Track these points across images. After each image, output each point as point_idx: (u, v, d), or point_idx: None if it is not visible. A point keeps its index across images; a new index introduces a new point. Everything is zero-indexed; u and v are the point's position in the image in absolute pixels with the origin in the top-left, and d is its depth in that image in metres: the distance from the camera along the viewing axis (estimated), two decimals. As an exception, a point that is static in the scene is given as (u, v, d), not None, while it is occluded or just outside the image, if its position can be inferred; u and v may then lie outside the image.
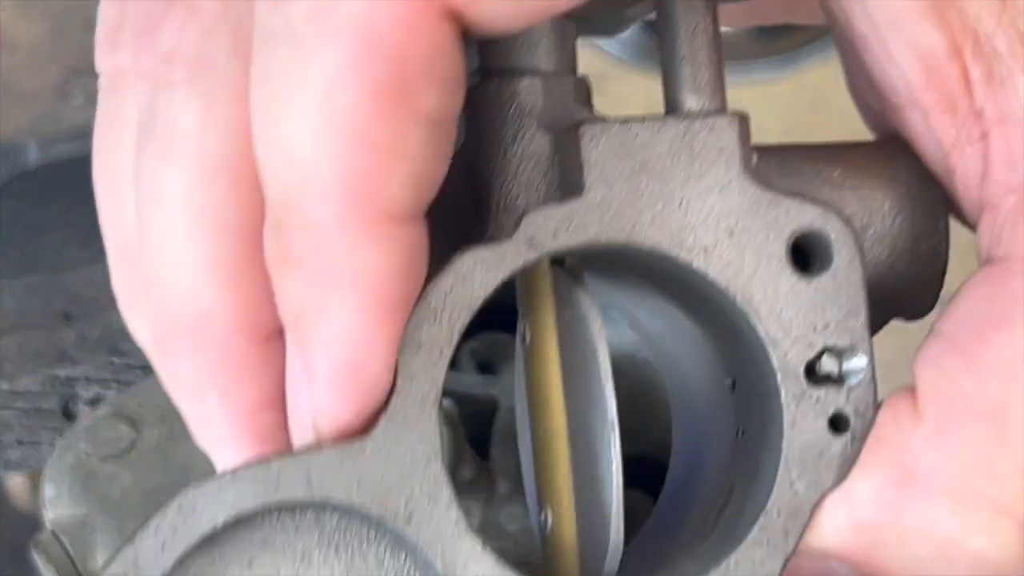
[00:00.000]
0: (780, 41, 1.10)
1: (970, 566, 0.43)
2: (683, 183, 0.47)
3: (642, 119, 0.47)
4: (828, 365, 0.47)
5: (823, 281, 0.47)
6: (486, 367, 0.83)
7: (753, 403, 0.50)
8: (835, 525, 0.45)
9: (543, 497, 0.51)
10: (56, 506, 0.77)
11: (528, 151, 0.49)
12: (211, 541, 0.46)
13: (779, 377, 0.47)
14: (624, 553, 0.50)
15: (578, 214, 0.46)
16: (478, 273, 0.46)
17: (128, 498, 0.77)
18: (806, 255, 0.48)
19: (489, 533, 0.67)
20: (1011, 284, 0.43)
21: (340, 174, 0.40)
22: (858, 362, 0.47)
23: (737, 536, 0.47)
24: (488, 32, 0.42)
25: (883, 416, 0.46)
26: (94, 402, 0.86)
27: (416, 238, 0.43)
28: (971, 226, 0.48)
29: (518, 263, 0.46)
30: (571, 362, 0.50)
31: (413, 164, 0.41)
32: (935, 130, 0.45)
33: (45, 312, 0.92)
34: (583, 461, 0.50)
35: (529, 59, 0.49)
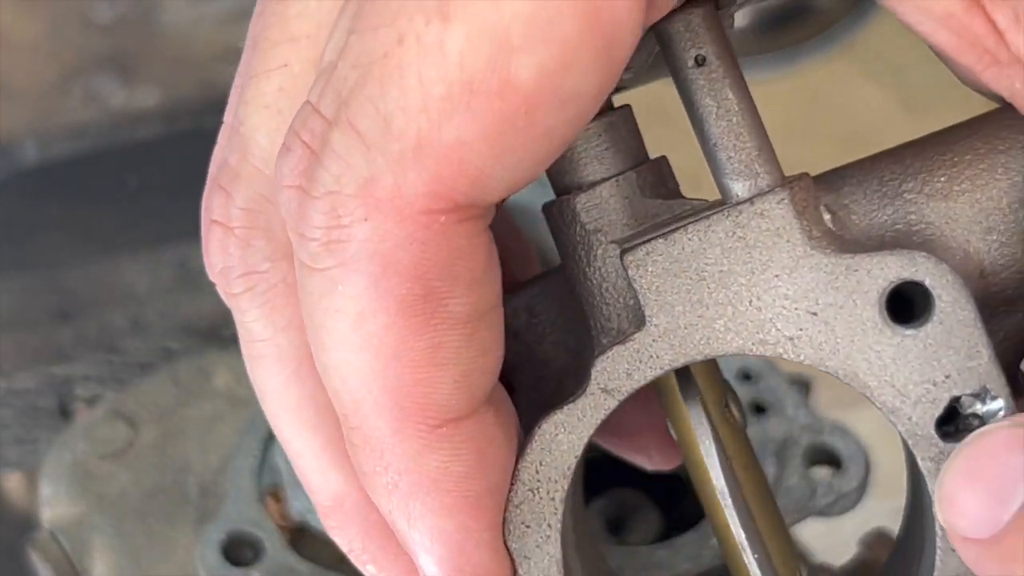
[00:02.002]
0: (781, 38, 1.10)
1: None
2: (748, 280, 0.43)
3: (686, 224, 0.43)
4: (970, 407, 0.43)
5: (930, 330, 0.43)
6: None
7: (911, 465, 0.47)
8: None
9: None
10: (53, 505, 0.77)
11: (605, 269, 0.46)
12: None
13: (910, 443, 0.43)
14: None
15: (647, 347, 0.43)
16: (563, 437, 0.44)
17: (126, 497, 0.76)
18: (907, 306, 0.44)
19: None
20: None
21: (386, 391, 0.41)
22: (994, 404, 0.43)
23: None
24: (502, 198, 0.42)
25: None
26: (91, 401, 0.86)
27: (483, 429, 0.43)
28: None
29: (600, 416, 0.44)
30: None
31: (456, 367, 0.42)
32: (990, 85, 0.43)
33: (42, 310, 0.92)
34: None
35: (578, 175, 0.46)
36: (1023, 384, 0.47)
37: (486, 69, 0.38)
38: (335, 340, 0.41)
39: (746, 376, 0.74)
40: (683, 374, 0.47)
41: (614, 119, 0.47)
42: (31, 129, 1.07)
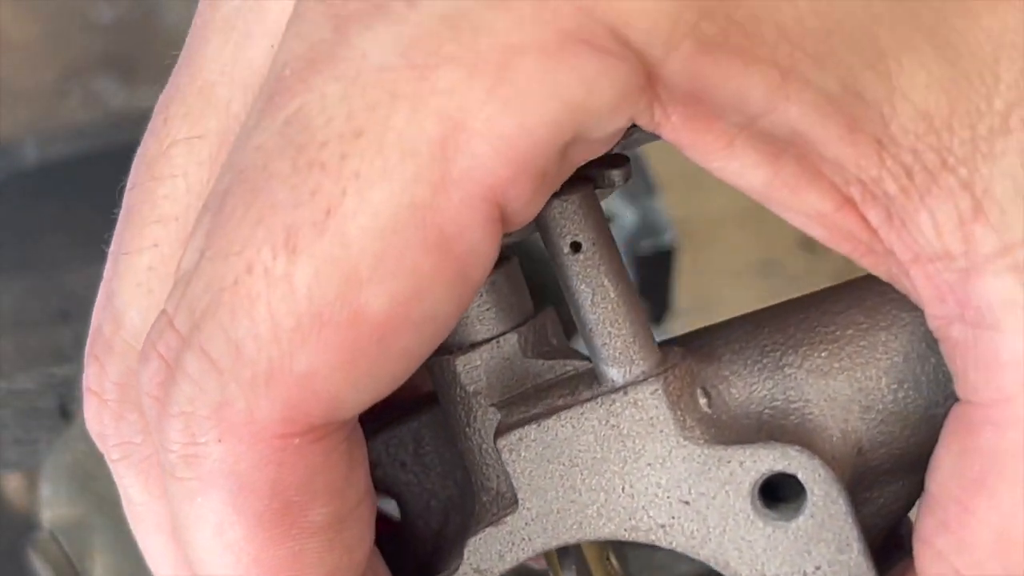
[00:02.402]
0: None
1: None
2: (620, 468, 0.44)
3: (560, 411, 0.44)
4: None
5: (801, 523, 0.43)
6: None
7: None
8: None
9: None
10: (53, 506, 0.77)
11: (485, 431, 0.46)
12: None
13: None
14: None
15: (519, 530, 0.44)
16: None
17: (126, 498, 0.76)
18: (778, 498, 0.44)
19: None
20: (978, 439, 0.42)
21: None
22: None
23: None
24: (359, 412, 0.42)
25: None
26: (92, 401, 0.86)
27: None
28: None
29: None
30: None
31: (319, 569, 0.42)
32: (868, 269, 0.44)
33: (43, 311, 0.92)
34: None
35: (459, 336, 0.46)
36: (907, 545, 0.47)
37: (335, 301, 0.38)
38: (198, 542, 0.42)
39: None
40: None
41: (497, 278, 0.47)
42: (31, 129, 1.08)
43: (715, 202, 1.31)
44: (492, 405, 0.46)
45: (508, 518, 0.44)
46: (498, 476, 0.46)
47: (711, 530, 0.44)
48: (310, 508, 0.42)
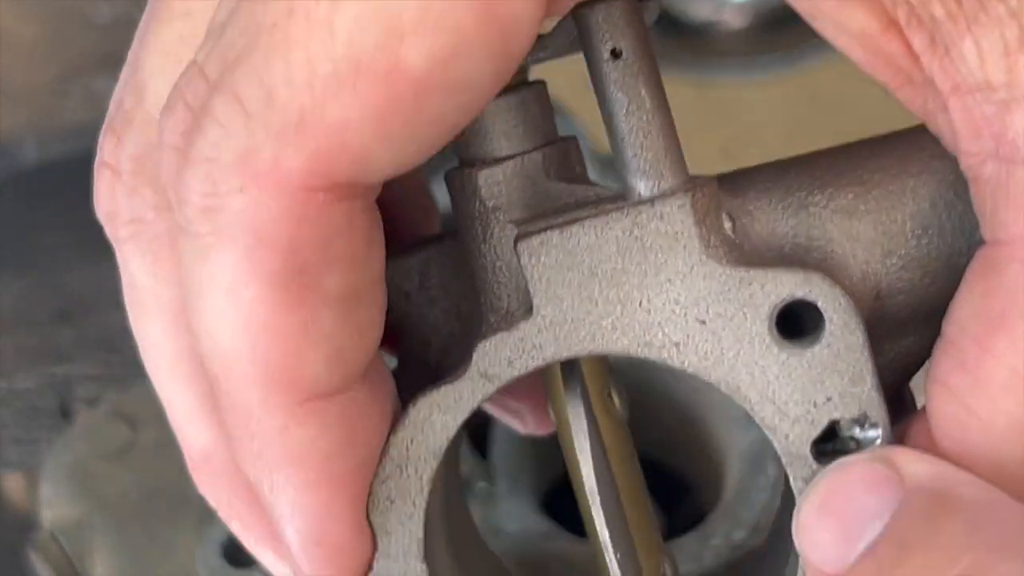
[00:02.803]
0: (781, 38, 1.09)
1: None
2: (640, 281, 0.43)
3: (584, 220, 0.43)
4: (848, 430, 0.43)
5: (817, 352, 0.43)
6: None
7: (785, 486, 0.47)
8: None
9: None
10: (54, 506, 0.77)
11: (500, 248, 0.45)
12: None
13: (784, 461, 0.43)
14: None
15: (531, 336, 0.43)
16: (436, 418, 0.44)
17: (126, 498, 0.76)
18: (797, 326, 0.44)
19: (488, 533, 0.67)
20: (1002, 277, 0.41)
21: (255, 363, 0.40)
22: (871, 432, 0.43)
23: None
24: (387, 178, 0.41)
25: (906, 443, 0.43)
26: (92, 401, 0.86)
27: (355, 406, 0.42)
28: None
29: (476, 400, 0.44)
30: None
31: (329, 344, 0.41)
32: (903, 103, 0.42)
33: (43, 311, 0.92)
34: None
35: (483, 149, 0.45)
36: (909, 403, 0.47)
37: (374, 51, 0.37)
38: (207, 306, 0.41)
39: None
40: (567, 360, 0.46)
41: (527, 95, 0.46)
42: (31, 129, 1.07)
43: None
44: (511, 222, 0.45)
45: (521, 324, 0.43)
46: (509, 295, 0.45)
47: (725, 352, 0.43)
48: (326, 274, 0.40)
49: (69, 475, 0.78)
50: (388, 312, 0.44)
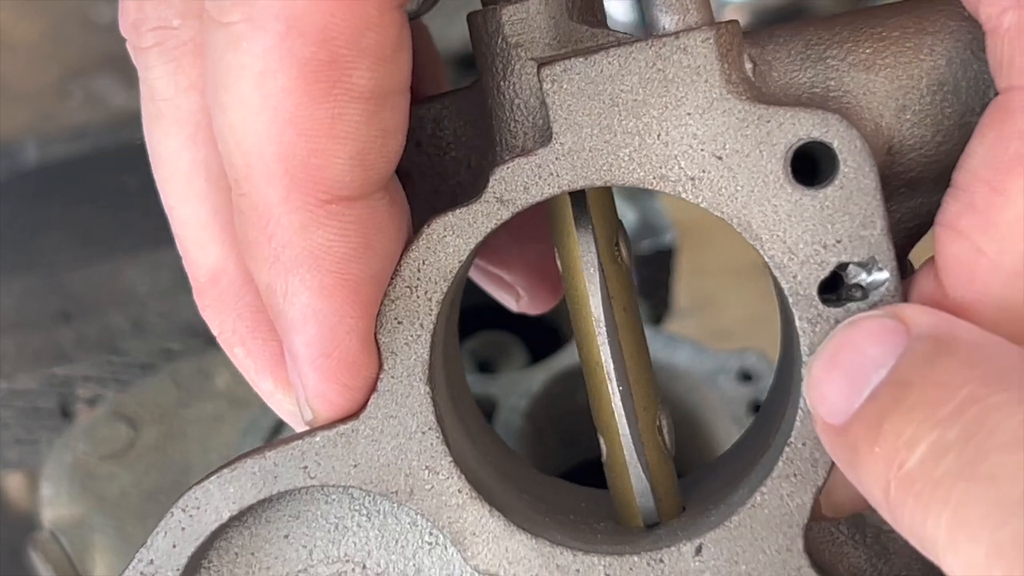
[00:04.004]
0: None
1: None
2: (660, 113, 0.43)
3: (608, 48, 0.43)
4: (855, 276, 0.44)
5: (829, 193, 0.43)
6: (485, 366, 0.83)
7: (786, 327, 0.47)
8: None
9: (596, 425, 0.50)
10: (54, 505, 0.77)
11: (520, 85, 0.46)
12: (242, 520, 0.46)
13: (791, 301, 0.44)
14: (710, 472, 0.50)
15: (548, 163, 0.44)
16: (450, 240, 0.44)
17: (126, 497, 0.77)
18: (813, 167, 0.44)
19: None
20: (1017, 120, 0.41)
21: (281, 157, 0.41)
22: (879, 275, 0.43)
23: (769, 469, 0.45)
24: None
25: (910, 295, 0.44)
26: (92, 401, 0.86)
27: (374, 215, 0.43)
28: None
29: (491, 224, 0.44)
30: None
31: (354, 143, 0.41)
32: None
33: (43, 311, 0.92)
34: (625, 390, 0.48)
35: None
36: (909, 271, 0.47)
37: None
38: (235, 99, 0.41)
39: (746, 376, 0.74)
40: (578, 203, 0.47)
41: None
42: (32, 130, 1.07)
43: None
44: (532, 59, 0.45)
45: (539, 150, 0.44)
46: (525, 133, 0.46)
47: (739, 188, 0.44)
48: (355, 68, 0.41)
49: (70, 475, 0.78)
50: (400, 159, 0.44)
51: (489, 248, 0.53)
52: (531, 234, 0.53)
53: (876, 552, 0.48)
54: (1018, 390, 0.37)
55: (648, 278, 0.94)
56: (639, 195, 0.96)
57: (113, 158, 1.00)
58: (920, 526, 0.37)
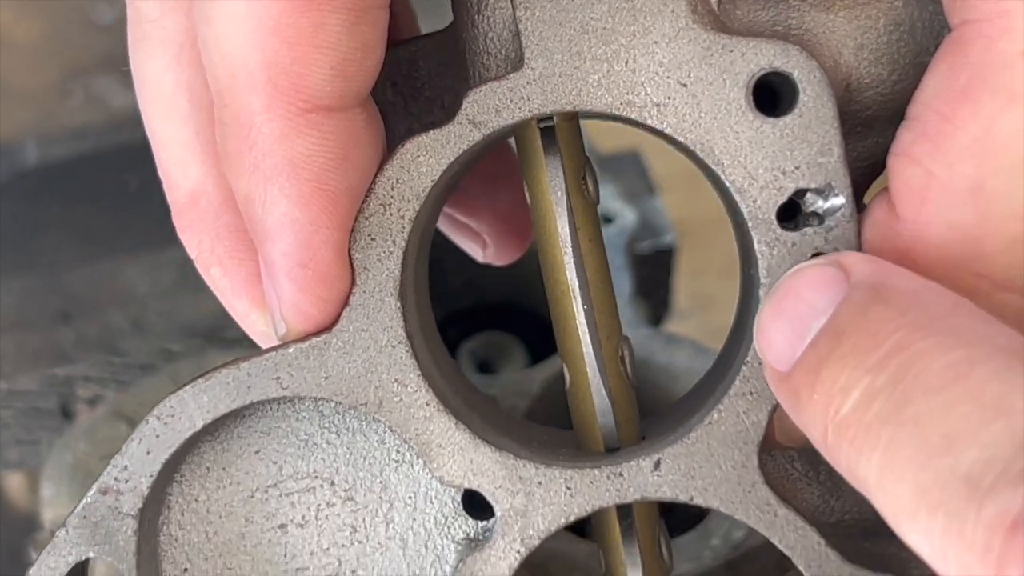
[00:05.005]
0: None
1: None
2: (628, 41, 0.45)
3: None
4: (812, 204, 0.46)
5: (789, 121, 0.45)
6: (485, 366, 0.83)
7: (744, 251, 0.49)
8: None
9: (561, 356, 0.51)
10: (55, 505, 0.77)
11: (494, 19, 0.47)
12: (214, 435, 0.48)
13: (750, 225, 0.46)
14: (670, 411, 0.51)
15: (520, 88, 0.45)
16: (423, 159, 0.46)
17: (127, 498, 0.76)
18: (773, 96, 0.46)
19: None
20: (968, 52, 0.42)
21: (263, 65, 0.42)
22: (836, 201, 0.45)
23: (727, 388, 0.47)
24: None
25: (864, 223, 0.45)
26: (92, 401, 0.86)
27: (352, 127, 0.44)
28: None
29: (463, 145, 0.46)
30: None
31: (336, 54, 0.42)
32: None
33: (43, 312, 0.92)
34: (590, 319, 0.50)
35: None
36: (863, 210, 0.48)
37: None
38: (220, 9, 0.42)
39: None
40: (548, 135, 0.48)
41: None
42: (32, 130, 1.08)
43: (715, 202, 1.31)
44: None
45: (511, 75, 0.46)
46: (498, 65, 0.47)
47: (702, 115, 0.45)
48: None
49: (70, 475, 0.78)
50: (375, 97, 0.45)
51: (458, 196, 0.55)
52: (499, 184, 0.55)
53: (829, 489, 0.49)
54: (946, 335, 0.38)
55: (648, 278, 0.94)
56: (639, 195, 0.96)
57: (113, 158, 1.00)
58: (855, 468, 0.39)
